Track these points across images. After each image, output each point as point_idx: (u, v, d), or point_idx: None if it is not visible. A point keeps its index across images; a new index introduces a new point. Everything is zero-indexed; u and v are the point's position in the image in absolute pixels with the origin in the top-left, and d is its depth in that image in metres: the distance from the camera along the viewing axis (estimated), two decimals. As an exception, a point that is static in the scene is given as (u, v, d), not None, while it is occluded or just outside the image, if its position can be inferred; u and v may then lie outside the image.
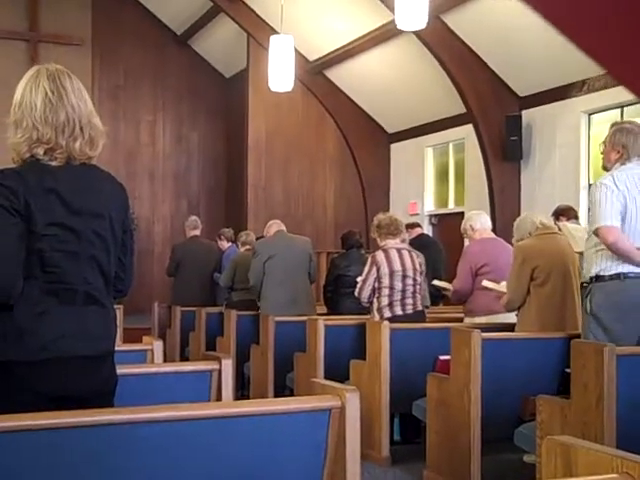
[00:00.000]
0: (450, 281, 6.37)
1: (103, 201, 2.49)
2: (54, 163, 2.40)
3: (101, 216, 2.47)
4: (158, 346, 3.55)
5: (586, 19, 0.55)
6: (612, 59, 0.57)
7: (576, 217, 6.80)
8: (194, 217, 9.84)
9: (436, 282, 6.48)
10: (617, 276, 4.07)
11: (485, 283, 5.64)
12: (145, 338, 3.74)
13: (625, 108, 9.35)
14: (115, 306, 2.70)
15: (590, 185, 9.77)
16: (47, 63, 2.56)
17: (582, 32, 0.56)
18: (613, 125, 4.40)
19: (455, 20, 10.26)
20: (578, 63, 9.41)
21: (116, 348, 2.60)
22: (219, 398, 2.91)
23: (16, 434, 1.88)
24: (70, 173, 2.43)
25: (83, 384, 2.40)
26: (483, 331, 4.41)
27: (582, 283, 4.36)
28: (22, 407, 2.10)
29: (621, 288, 4.06)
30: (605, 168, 4.34)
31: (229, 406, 2.25)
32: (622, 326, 4.01)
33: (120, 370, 2.64)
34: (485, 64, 10.60)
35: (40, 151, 2.39)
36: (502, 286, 5.41)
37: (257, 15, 12.94)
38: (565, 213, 6.72)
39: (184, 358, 8.49)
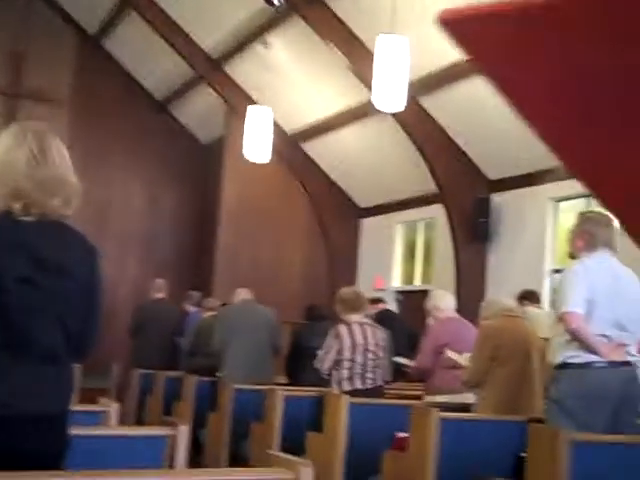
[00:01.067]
0: (412, 358, 6.39)
1: (72, 260, 2.49)
2: (28, 218, 2.42)
3: (69, 275, 2.47)
4: (114, 408, 3.51)
5: (544, 110, 0.59)
6: (566, 151, 0.62)
7: (539, 301, 6.90)
8: (160, 280, 9.82)
9: (398, 359, 6.50)
10: (584, 365, 4.11)
11: (449, 353, 5.67)
12: (102, 399, 3.70)
13: (592, 198, 9.56)
14: (75, 365, 2.68)
15: (555, 271, 9.92)
16: (25, 119, 2.61)
17: (543, 122, 0.61)
18: (581, 214, 4.52)
19: (431, 103, 10.50)
20: (547, 151, 9.64)
21: (72, 408, 2.57)
22: (172, 465, 2.88)
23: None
24: (41, 230, 2.44)
25: (34, 443, 2.36)
26: (442, 410, 4.41)
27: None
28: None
29: (587, 377, 4.10)
30: (572, 256, 4.44)
31: (181, 474, 2.23)
32: (587, 414, 4.04)
33: (74, 431, 2.60)
34: (458, 146, 10.82)
35: (17, 205, 2.41)
36: (464, 358, 5.45)
37: (237, 85, 13.16)
38: (529, 297, 6.82)
39: (140, 421, 8.36)
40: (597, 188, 0.61)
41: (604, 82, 0.52)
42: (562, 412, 4.08)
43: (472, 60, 0.57)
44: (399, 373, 7.91)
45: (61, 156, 2.54)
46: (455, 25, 0.54)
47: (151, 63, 14.17)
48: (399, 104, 8.25)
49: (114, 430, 3.12)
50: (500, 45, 0.54)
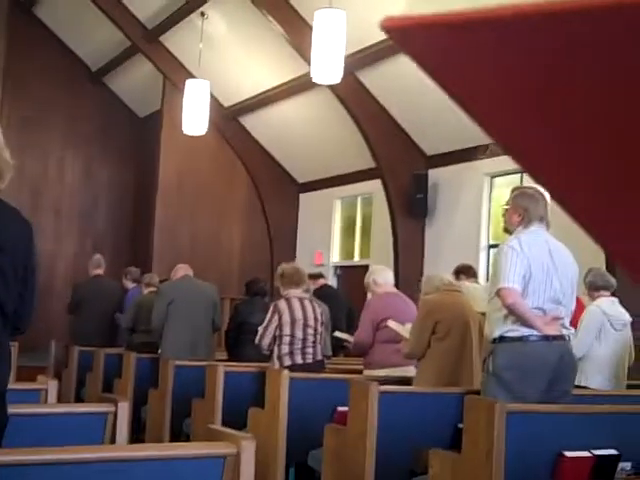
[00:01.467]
0: (352, 333, 6.45)
1: (5, 235, 2.45)
2: None
3: (2, 250, 2.43)
4: (53, 386, 3.48)
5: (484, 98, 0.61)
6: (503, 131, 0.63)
7: (475, 276, 7.02)
8: (98, 256, 9.69)
9: (338, 334, 6.55)
10: (519, 338, 4.20)
11: (390, 323, 5.74)
12: (40, 377, 3.66)
13: (524, 173, 9.73)
14: (11, 343, 2.65)
15: (490, 245, 10.10)
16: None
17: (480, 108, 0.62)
18: (514, 189, 4.59)
19: (369, 77, 10.54)
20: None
21: (9, 387, 2.54)
22: (113, 441, 2.87)
23: None
24: None
25: None
26: (381, 384, 4.48)
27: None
28: None
29: (524, 350, 4.19)
30: (507, 230, 4.51)
31: (122, 450, 2.23)
32: (523, 386, 4.13)
33: (12, 410, 2.58)
34: (395, 122, 10.89)
35: None
36: (406, 329, 5.52)
37: (174, 57, 12.99)
38: (465, 271, 6.92)
39: (80, 399, 8.27)
40: (533, 170, 0.63)
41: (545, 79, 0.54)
42: (498, 384, 4.18)
43: (417, 66, 0.59)
44: (339, 348, 7.99)
45: None
46: (398, 32, 0.55)
47: (85, 32, 13.86)
48: (336, 76, 8.30)
49: (53, 408, 3.09)
50: (443, 53, 0.56)
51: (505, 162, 9.76)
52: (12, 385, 3.53)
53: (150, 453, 2.16)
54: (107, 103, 14.81)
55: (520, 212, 4.38)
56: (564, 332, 4.28)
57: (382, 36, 9.62)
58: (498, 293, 4.18)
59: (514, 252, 4.20)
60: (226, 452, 2.19)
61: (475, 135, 9.94)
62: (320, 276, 9.17)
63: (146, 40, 12.72)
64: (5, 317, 2.46)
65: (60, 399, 4.41)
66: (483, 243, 10.21)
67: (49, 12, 14.04)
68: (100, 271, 9.36)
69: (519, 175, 9.79)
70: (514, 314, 4.17)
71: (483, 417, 3.53)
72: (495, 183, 10.31)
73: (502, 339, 4.23)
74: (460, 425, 3.90)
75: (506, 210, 4.49)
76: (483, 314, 4.70)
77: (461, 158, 10.53)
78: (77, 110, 14.55)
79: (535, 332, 4.18)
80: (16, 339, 7.33)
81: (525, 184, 9.25)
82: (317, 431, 4.76)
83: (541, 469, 3.63)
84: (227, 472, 2.19)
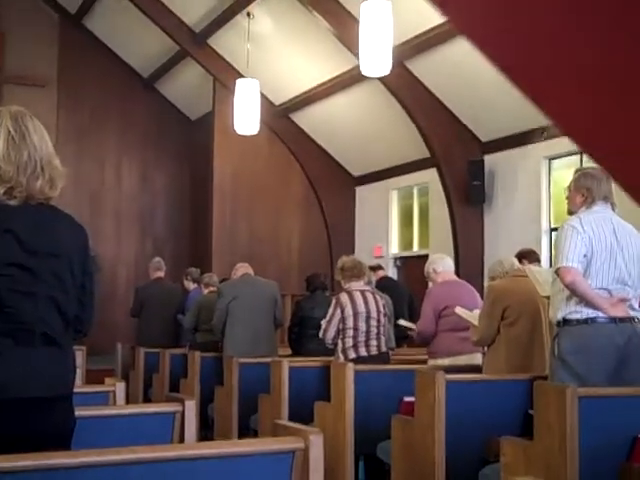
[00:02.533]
0: (415, 322, 6.39)
1: (61, 242, 2.49)
2: (12, 202, 2.40)
3: (58, 256, 2.46)
4: (120, 387, 3.51)
5: (535, 71, 0.57)
6: (559, 112, 0.60)
7: (538, 260, 6.88)
8: (158, 258, 9.81)
9: (401, 321, 6.51)
10: (584, 320, 4.11)
11: (457, 310, 5.67)
12: (107, 379, 3.71)
13: (583, 154, 9.54)
14: (78, 347, 2.68)
15: (551, 229, 9.93)
16: (10, 104, 2.59)
17: (530, 83, 0.59)
18: (577, 171, 4.50)
19: (418, 66, 10.44)
20: (538, 110, 9.61)
21: (78, 390, 2.57)
22: (182, 440, 2.88)
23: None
24: (27, 213, 2.43)
25: (37, 426, 2.36)
26: (447, 373, 4.42)
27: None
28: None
29: (588, 332, 4.09)
30: (570, 212, 4.42)
31: (191, 448, 2.23)
32: (589, 370, 4.04)
33: (81, 412, 2.60)
34: (448, 110, 10.77)
35: (0, 190, 2.40)
36: (474, 315, 5.44)
37: (223, 59, 13.06)
38: (527, 256, 6.79)
39: (147, 400, 8.38)
40: (587, 145, 0.59)
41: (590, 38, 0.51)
42: (564, 369, 4.09)
43: (456, 29, 0.55)
44: (402, 339, 7.95)
45: (41, 138, 2.50)
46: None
47: (134, 40, 14.03)
48: (385, 68, 8.24)
49: (121, 409, 3.12)
50: (484, 12, 0.52)
51: (563, 144, 9.58)
52: (81, 388, 3.58)
53: (218, 450, 2.16)
54: (159, 108, 14.97)
55: (583, 192, 4.29)
56: (632, 314, 4.17)
57: (429, 24, 9.54)
58: (557, 272, 4.10)
59: (574, 231, 4.11)
60: (294, 447, 2.17)
61: (530, 118, 9.79)
62: (379, 268, 9.13)
63: (194, 44, 12.81)
64: (67, 322, 2.50)
65: (128, 400, 4.46)
66: (545, 227, 10.04)
67: (98, 23, 14.24)
68: (161, 273, 9.47)
69: (578, 156, 9.60)
70: (575, 294, 4.08)
71: (554, 403, 3.46)
72: (553, 165, 10.12)
73: (566, 322, 4.14)
74: (530, 411, 3.82)
75: (569, 192, 4.40)
76: (548, 298, 4.61)
77: (517, 142, 10.37)
78: (130, 117, 14.74)
79: (601, 313, 4.08)
80: (84, 343, 7.48)
81: (585, 165, 9.09)
82: (384, 423, 4.73)
83: (616, 454, 3.54)
84: (296, 467, 2.18)
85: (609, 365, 4.06)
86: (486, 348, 5.26)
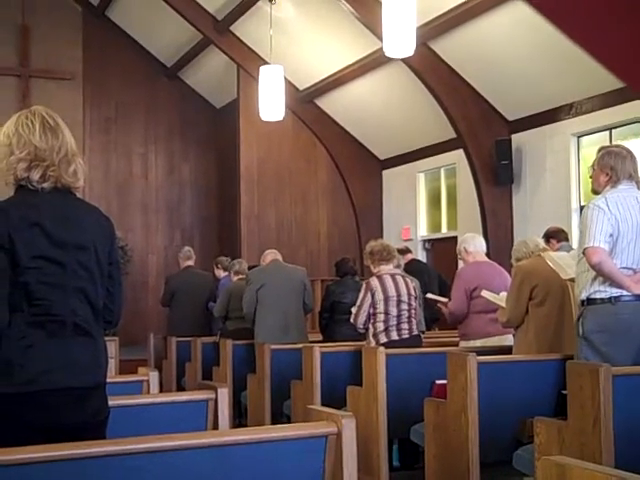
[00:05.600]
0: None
1: (87, 233, 2.53)
2: (45, 185, 2.46)
3: (86, 248, 2.51)
4: (154, 377, 3.55)
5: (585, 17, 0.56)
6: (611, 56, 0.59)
7: (567, 239, 6.82)
8: (187, 248, 9.85)
9: (430, 295, 6.47)
10: (609, 299, 4.07)
11: (484, 293, 5.64)
12: (140, 369, 3.74)
13: (613, 130, 9.43)
14: (110, 338, 2.72)
15: (581, 207, 9.82)
16: (39, 98, 2.67)
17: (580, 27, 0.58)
18: (601, 149, 4.42)
19: (442, 47, 10.35)
20: (565, 86, 9.49)
21: (112, 380, 2.60)
22: (216, 427, 2.90)
23: (6, 468, 1.86)
24: (56, 205, 2.48)
25: (72, 416, 2.40)
26: (479, 355, 4.41)
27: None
28: (12, 440, 2.11)
29: (612, 311, 4.06)
30: (594, 191, 4.37)
31: (225, 434, 2.25)
32: (613, 349, 4.01)
33: (115, 401, 2.63)
34: (473, 89, 10.68)
35: (35, 175, 2.46)
36: (501, 298, 5.41)
37: (246, 46, 13.04)
38: (555, 235, 6.73)
39: (180, 388, 8.45)
40: None
41: None
42: (589, 348, 4.07)
43: None
44: (433, 322, 7.93)
45: (69, 134, 2.60)
46: None
47: (157, 30, 14.05)
48: (409, 49, 8.17)
49: (155, 398, 3.15)
50: None
51: (592, 120, 9.46)
52: (115, 378, 3.62)
53: (252, 436, 2.17)
54: (184, 97, 15.01)
55: (607, 171, 4.23)
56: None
57: (452, 3, 9.45)
58: (584, 253, 4.06)
59: (600, 211, 4.07)
60: (327, 431, 2.18)
61: (557, 95, 9.68)
62: (407, 251, 9.07)
63: (217, 31, 12.80)
64: (96, 312, 2.53)
65: (162, 389, 4.50)
66: (574, 205, 9.94)
67: (121, 14, 14.29)
68: (191, 262, 9.51)
69: (607, 132, 9.48)
70: (601, 274, 4.05)
71: (587, 382, 3.44)
72: (582, 143, 10.00)
73: (590, 301, 4.11)
74: (564, 392, 3.80)
75: (593, 171, 4.34)
76: (572, 280, 4.57)
77: (544, 120, 10.25)
78: (155, 107, 14.80)
79: (625, 292, 4.04)
80: (116, 334, 7.55)
81: (614, 142, 8.97)
82: (417, 406, 4.73)
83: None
84: (329, 451, 2.19)
85: (634, 343, 4.03)
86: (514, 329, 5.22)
